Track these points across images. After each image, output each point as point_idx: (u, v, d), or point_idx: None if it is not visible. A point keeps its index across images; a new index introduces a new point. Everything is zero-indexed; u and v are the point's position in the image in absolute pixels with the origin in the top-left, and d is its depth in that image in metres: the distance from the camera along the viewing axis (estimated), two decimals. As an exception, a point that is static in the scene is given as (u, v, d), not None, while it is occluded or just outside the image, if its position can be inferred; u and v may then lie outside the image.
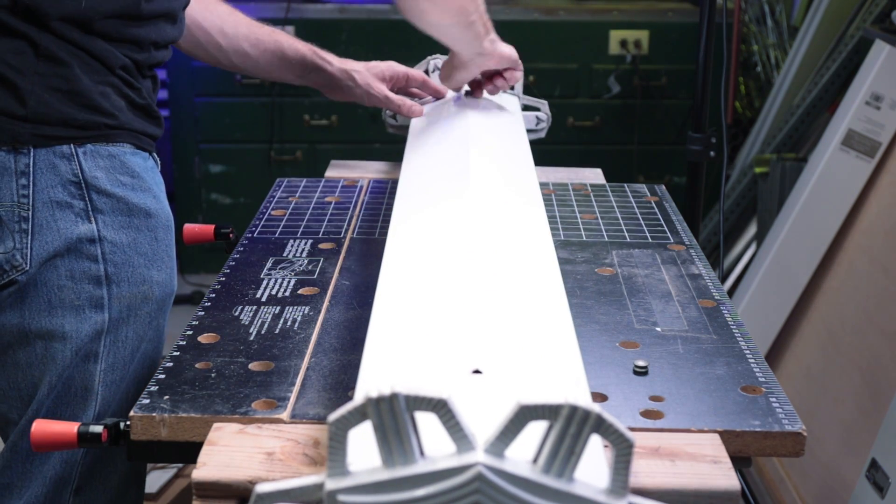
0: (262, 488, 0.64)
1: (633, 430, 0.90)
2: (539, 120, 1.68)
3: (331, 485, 0.63)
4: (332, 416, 0.63)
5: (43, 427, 0.96)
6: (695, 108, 2.03)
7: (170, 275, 1.27)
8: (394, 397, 0.61)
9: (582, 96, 3.33)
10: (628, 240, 1.38)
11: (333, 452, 0.63)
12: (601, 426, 0.62)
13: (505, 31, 3.57)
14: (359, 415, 0.62)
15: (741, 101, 3.41)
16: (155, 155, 1.28)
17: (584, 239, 1.37)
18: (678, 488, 0.82)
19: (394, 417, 0.62)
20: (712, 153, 2.04)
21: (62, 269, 1.17)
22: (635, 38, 3.32)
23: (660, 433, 0.90)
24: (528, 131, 1.62)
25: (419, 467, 0.63)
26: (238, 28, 1.51)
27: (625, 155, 3.41)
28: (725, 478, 0.83)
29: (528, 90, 1.68)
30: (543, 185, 1.57)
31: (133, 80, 1.21)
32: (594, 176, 1.67)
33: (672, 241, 1.38)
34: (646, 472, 0.84)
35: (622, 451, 0.63)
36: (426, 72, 1.65)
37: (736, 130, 3.36)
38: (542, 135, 1.71)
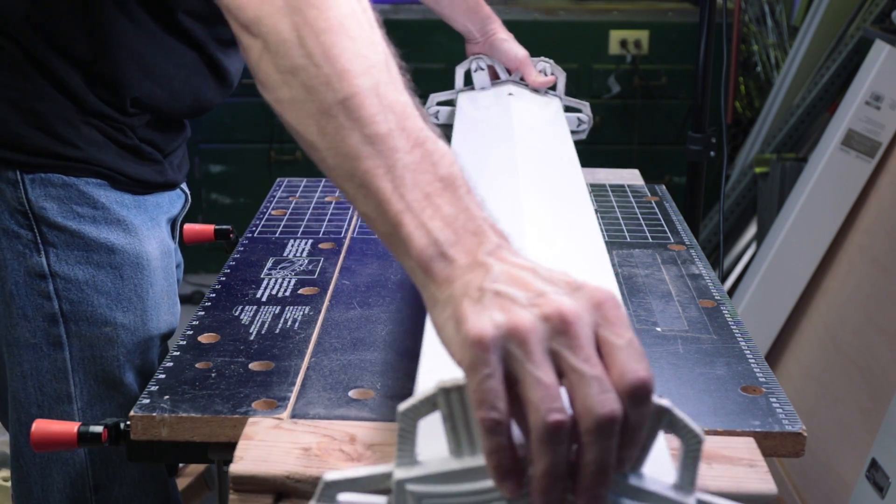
0: (330, 476, 0.64)
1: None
2: (581, 121, 1.67)
3: (399, 474, 0.63)
4: (403, 406, 0.62)
5: (43, 427, 0.96)
6: (695, 108, 2.03)
7: (141, 318, 1.14)
8: (464, 388, 0.61)
9: (582, 96, 3.32)
10: (628, 240, 1.38)
11: (403, 441, 0.63)
12: (672, 421, 0.61)
13: (505, 31, 3.55)
14: (429, 405, 0.62)
15: (741, 101, 3.41)
16: (178, 192, 1.21)
17: (585, 239, 1.37)
18: (715, 491, 0.81)
19: (463, 408, 0.61)
20: (712, 153, 2.04)
21: (13, 307, 1.10)
22: (635, 38, 3.32)
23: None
24: (571, 133, 1.61)
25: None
26: None
27: (625, 155, 3.41)
28: (762, 481, 0.82)
29: (569, 91, 1.66)
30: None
31: (118, 115, 1.10)
32: (632, 177, 1.67)
33: (672, 241, 1.38)
34: None
35: (691, 446, 0.62)
36: (468, 72, 1.62)
37: (736, 130, 3.36)
38: (584, 136, 1.69)
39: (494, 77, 1.60)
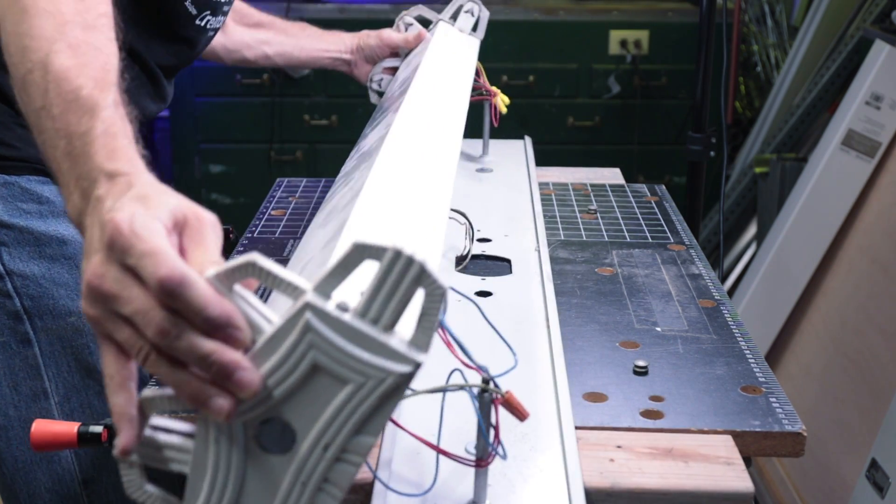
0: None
1: (633, 430, 0.90)
2: (472, 14, 1.64)
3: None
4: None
5: (43, 427, 0.95)
6: (695, 108, 2.03)
7: None
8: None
9: (582, 96, 3.32)
10: (628, 240, 1.38)
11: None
12: (422, 275, 0.60)
13: (505, 30, 3.58)
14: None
15: (741, 101, 3.42)
16: None
17: (584, 239, 1.37)
18: (691, 490, 0.82)
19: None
20: (712, 153, 2.05)
21: None
22: (635, 38, 3.32)
23: (673, 434, 0.89)
24: (473, 30, 1.61)
25: (267, 332, 0.63)
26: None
27: (625, 155, 3.41)
28: (739, 479, 0.83)
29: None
30: (545, 186, 1.57)
31: None
32: (612, 175, 1.67)
33: (672, 241, 1.38)
34: (659, 472, 0.83)
35: (432, 299, 0.60)
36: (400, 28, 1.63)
37: (736, 130, 3.36)
38: (481, 35, 1.64)
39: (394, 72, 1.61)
